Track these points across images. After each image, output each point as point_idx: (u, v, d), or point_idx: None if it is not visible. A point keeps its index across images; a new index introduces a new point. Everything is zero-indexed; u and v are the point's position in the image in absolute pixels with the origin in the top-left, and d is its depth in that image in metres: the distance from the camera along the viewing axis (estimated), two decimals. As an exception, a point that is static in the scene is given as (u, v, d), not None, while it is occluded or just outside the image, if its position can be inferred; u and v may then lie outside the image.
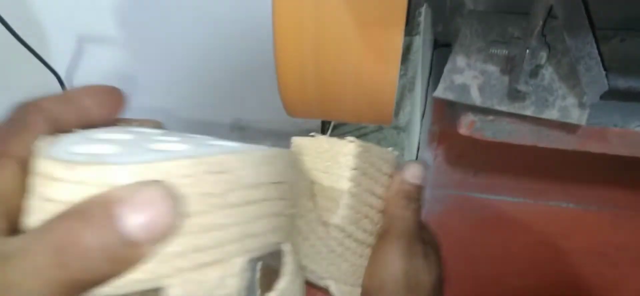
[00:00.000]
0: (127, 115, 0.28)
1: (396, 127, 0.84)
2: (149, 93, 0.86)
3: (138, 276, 0.20)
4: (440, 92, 0.35)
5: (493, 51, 0.34)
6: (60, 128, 0.22)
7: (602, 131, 0.35)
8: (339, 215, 0.33)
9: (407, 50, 0.49)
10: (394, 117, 0.38)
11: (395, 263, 0.34)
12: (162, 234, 0.19)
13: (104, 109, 0.24)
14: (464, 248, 0.53)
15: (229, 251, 0.22)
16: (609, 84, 0.36)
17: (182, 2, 0.75)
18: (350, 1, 0.30)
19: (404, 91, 0.49)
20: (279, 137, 0.92)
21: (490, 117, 0.36)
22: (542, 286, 0.55)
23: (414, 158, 0.54)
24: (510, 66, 0.33)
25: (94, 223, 0.18)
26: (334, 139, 0.33)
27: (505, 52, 0.33)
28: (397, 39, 0.32)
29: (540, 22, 0.31)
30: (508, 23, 0.35)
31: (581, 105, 0.33)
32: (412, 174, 0.35)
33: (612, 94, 0.36)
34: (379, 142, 0.81)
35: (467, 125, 0.37)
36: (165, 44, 0.80)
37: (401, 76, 0.50)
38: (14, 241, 0.18)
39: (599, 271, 0.52)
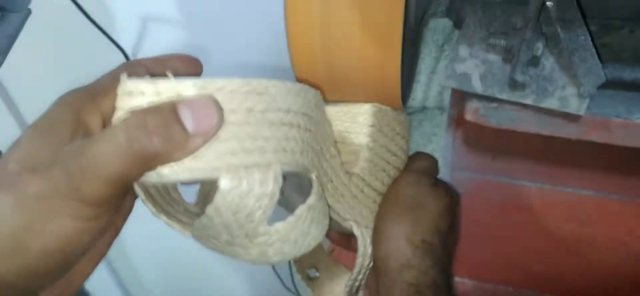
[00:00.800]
0: None
1: (440, 108, 0.85)
2: (208, 69, 0.92)
3: (198, 164, 0.27)
4: (443, 80, 0.37)
5: (492, 42, 0.35)
6: None
7: (604, 122, 0.36)
8: (359, 166, 0.38)
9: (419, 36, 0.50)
10: (402, 103, 0.41)
11: (401, 185, 0.39)
12: (207, 130, 0.26)
13: (186, 70, 0.32)
14: (483, 229, 0.55)
15: (269, 158, 0.28)
16: (614, 74, 0.36)
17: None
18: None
19: (417, 75, 0.51)
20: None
21: (494, 105, 0.38)
22: (562, 271, 0.56)
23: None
24: (508, 56, 0.35)
25: (159, 113, 0.25)
26: (353, 103, 0.39)
27: (503, 42, 0.35)
28: (397, 28, 0.34)
29: (536, 15, 0.32)
30: (512, 14, 0.36)
31: (580, 95, 0.34)
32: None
33: (618, 85, 0.37)
34: (420, 123, 0.83)
35: (472, 111, 0.39)
36: (220, 24, 0.86)
37: (421, 59, 0.52)
38: (106, 130, 0.26)
39: (620, 261, 0.52)
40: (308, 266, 0.45)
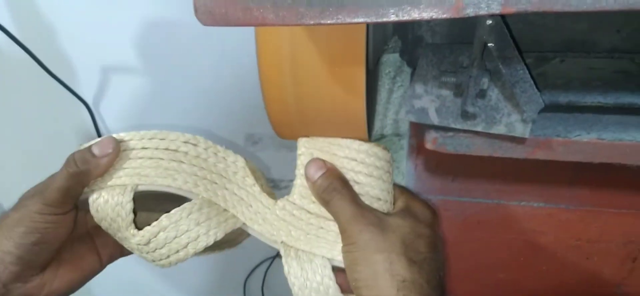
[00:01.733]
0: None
1: (397, 134, 0.90)
2: (169, 114, 0.94)
3: (116, 180, 0.42)
4: (402, 115, 0.41)
5: (444, 79, 0.39)
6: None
7: (547, 141, 0.41)
8: (292, 191, 0.43)
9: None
10: (368, 135, 0.44)
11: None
12: (107, 152, 0.42)
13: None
14: (450, 246, 0.59)
15: (122, 180, 0.42)
16: (551, 99, 0.41)
17: (197, 31, 0.82)
18: (319, 48, 0.37)
19: (375, 108, 0.56)
20: (289, 149, 0.98)
21: (450, 134, 0.42)
22: (523, 277, 0.60)
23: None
24: (459, 91, 0.39)
25: (81, 150, 0.43)
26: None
27: (453, 80, 0.39)
28: (360, 74, 0.38)
29: (479, 55, 0.36)
30: (459, 53, 0.41)
31: (524, 120, 0.39)
32: (311, 172, 0.41)
33: (556, 108, 0.42)
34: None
35: (431, 141, 0.42)
36: (181, 69, 0.88)
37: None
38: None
39: (574, 263, 0.57)
40: None
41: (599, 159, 0.41)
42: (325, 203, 0.41)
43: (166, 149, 0.42)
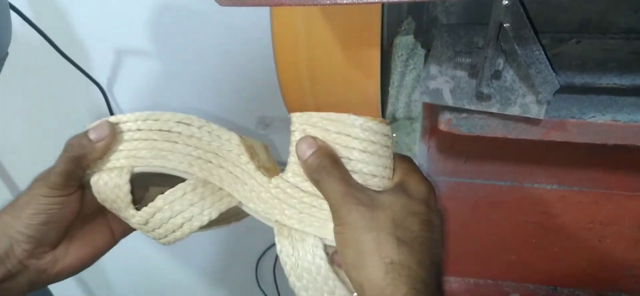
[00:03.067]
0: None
1: (409, 118, 0.90)
2: (181, 96, 0.94)
3: (114, 163, 0.43)
4: (417, 96, 0.41)
5: (459, 60, 0.39)
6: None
7: (561, 123, 0.41)
8: (285, 169, 0.43)
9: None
10: (382, 117, 0.44)
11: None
12: (102, 137, 0.43)
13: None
14: (461, 228, 0.59)
15: (120, 162, 0.43)
16: (566, 80, 0.41)
17: (208, 14, 0.82)
18: (334, 29, 0.37)
19: (388, 90, 0.56)
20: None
21: (464, 115, 0.42)
22: (535, 259, 0.60)
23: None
24: (474, 72, 0.39)
25: (78, 136, 0.44)
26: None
27: (468, 60, 0.39)
28: (375, 55, 0.38)
29: (495, 36, 0.36)
30: (474, 34, 0.41)
31: (539, 102, 0.39)
32: (301, 149, 0.40)
33: (571, 89, 0.42)
34: (393, 131, 0.88)
35: (445, 122, 0.43)
36: (194, 52, 0.88)
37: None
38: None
39: (586, 245, 0.57)
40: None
41: (613, 140, 0.41)
42: (316, 182, 0.39)
43: (159, 130, 0.43)
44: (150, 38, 0.87)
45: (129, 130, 0.43)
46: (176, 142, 0.43)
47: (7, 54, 0.66)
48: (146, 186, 0.50)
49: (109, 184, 0.43)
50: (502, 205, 0.57)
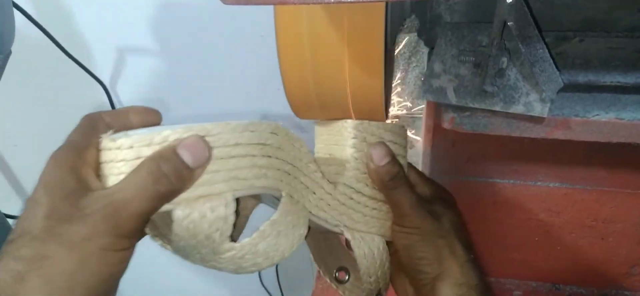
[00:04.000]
0: (167, 111, 0.39)
1: (411, 116, 0.90)
2: (184, 95, 0.94)
3: (209, 188, 0.33)
4: (420, 94, 0.41)
5: (462, 58, 0.39)
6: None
7: (565, 121, 0.41)
8: (346, 176, 0.42)
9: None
10: (384, 115, 0.44)
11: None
12: (203, 162, 0.32)
13: (143, 120, 0.36)
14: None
15: (220, 188, 0.33)
16: (569, 78, 0.41)
17: (211, 12, 0.82)
18: (338, 27, 0.37)
19: (391, 88, 0.56)
20: (303, 129, 0.99)
21: (467, 113, 0.42)
22: (538, 257, 0.60)
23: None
24: (477, 71, 0.39)
25: (168, 159, 0.31)
26: (338, 120, 0.43)
27: (472, 59, 0.39)
28: (378, 53, 0.38)
29: (499, 34, 0.36)
30: (478, 32, 0.41)
31: (542, 100, 0.39)
32: (378, 156, 0.42)
33: (574, 88, 0.42)
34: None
35: (448, 120, 0.43)
36: (197, 50, 0.88)
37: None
38: (129, 177, 0.31)
39: (589, 243, 0.57)
40: (336, 268, 0.48)
41: (617, 139, 0.41)
42: (389, 189, 0.42)
43: (258, 143, 0.36)
44: (153, 36, 0.87)
45: (226, 145, 0.34)
46: (270, 157, 0.36)
47: (10, 52, 0.66)
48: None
49: (209, 216, 0.33)
50: (505, 203, 0.57)
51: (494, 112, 0.41)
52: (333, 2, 0.27)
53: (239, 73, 0.89)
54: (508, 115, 0.41)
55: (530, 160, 0.53)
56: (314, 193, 0.41)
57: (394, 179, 0.42)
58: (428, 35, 0.45)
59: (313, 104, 0.42)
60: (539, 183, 0.54)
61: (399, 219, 0.43)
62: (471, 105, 0.41)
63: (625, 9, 0.40)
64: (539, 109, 0.39)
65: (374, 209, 0.43)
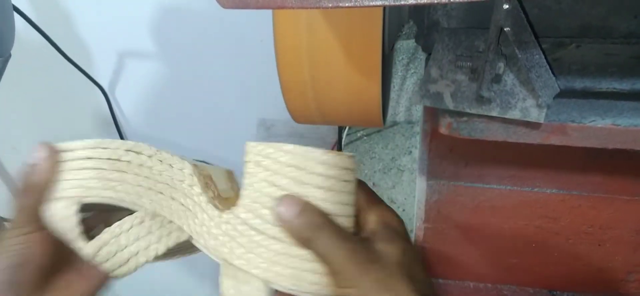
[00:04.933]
0: (166, 116, 0.40)
1: (409, 122, 0.90)
2: (182, 99, 0.95)
3: (62, 193, 0.39)
4: (418, 99, 0.41)
5: (459, 64, 0.40)
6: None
7: (561, 127, 0.41)
8: (238, 204, 0.38)
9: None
10: (382, 121, 0.45)
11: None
12: (40, 160, 0.39)
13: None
14: (462, 232, 0.59)
15: (69, 193, 0.39)
16: (566, 84, 0.41)
17: (210, 16, 0.83)
18: (336, 32, 0.37)
19: (389, 94, 0.56)
20: (302, 136, 0.99)
21: (464, 119, 0.42)
22: (535, 263, 0.60)
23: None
24: (474, 76, 0.39)
25: (23, 170, 0.39)
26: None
27: (469, 64, 0.39)
28: (376, 59, 0.38)
29: (495, 40, 0.37)
30: (475, 38, 0.41)
31: (539, 105, 0.39)
32: (285, 215, 0.35)
33: (571, 94, 0.42)
34: (394, 135, 0.88)
35: (445, 126, 0.43)
36: (195, 54, 0.89)
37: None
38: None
39: (586, 249, 0.57)
40: None
41: (613, 145, 0.41)
42: (308, 242, 0.34)
43: (108, 159, 0.40)
44: (152, 40, 0.88)
45: (79, 158, 0.40)
46: (125, 172, 0.40)
47: (10, 55, 0.66)
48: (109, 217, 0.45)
49: (57, 216, 0.40)
50: (502, 209, 0.57)
51: (491, 117, 0.41)
52: (331, 6, 0.27)
53: (238, 78, 0.90)
54: (505, 120, 0.41)
55: (528, 166, 0.53)
56: (196, 218, 0.40)
57: (309, 230, 0.34)
58: (425, 41, 0.45)
59: (311, 109, 0.42)
60: (536, 189, 0.54)
61: (332, 276, 0.35)
62: (468, 110, 0.41)
63: (621, 15, 0.40)
64: (536, 115, 0.39)
65: (261, 246, 0.37)
